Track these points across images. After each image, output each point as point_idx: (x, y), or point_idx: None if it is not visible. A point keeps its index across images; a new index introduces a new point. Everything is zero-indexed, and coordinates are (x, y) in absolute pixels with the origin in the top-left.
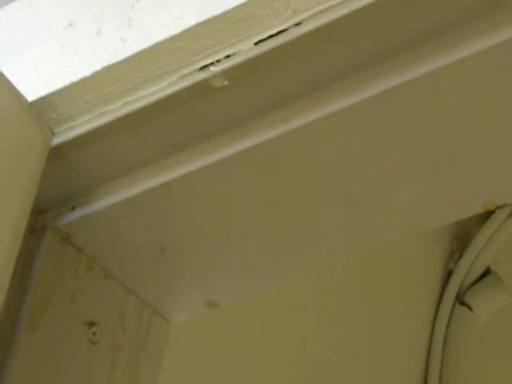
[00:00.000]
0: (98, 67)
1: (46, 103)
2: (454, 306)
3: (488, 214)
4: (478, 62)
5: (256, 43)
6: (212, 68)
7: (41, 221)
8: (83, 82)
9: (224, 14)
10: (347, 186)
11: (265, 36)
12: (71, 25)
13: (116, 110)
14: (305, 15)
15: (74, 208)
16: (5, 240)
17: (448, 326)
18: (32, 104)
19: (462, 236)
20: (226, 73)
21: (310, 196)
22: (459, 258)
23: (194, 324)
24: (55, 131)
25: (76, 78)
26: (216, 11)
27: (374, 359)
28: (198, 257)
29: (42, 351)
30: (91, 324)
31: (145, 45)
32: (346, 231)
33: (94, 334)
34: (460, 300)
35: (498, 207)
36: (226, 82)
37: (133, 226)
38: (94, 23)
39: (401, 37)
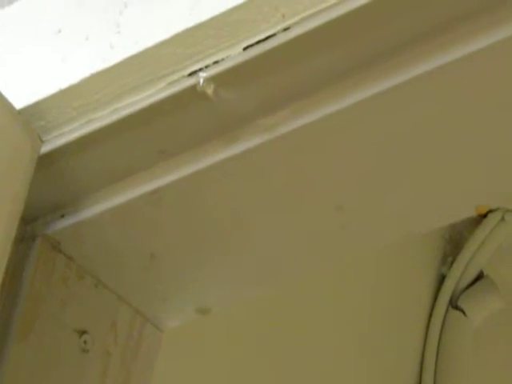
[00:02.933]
0: (86, 74)
1: (34, 110)
2: (447, 309)
3: (481, 218)
4: (464, 66)
5: (245, 48)
6: (200, 74)
7: (30, 229)
8: (71, 89)
9: (212, 19)
10: (337, 192)
11: (253, 41)
12: (59, 31)
13: (104, 117)
14: (293, 20)
15: (63, 216)
16: None
17: (442, 329)
18: (20, 111)
19: (455, 240)
20: (214, 79)
21: (298, 203)
22: (452, 261)
23: (186, 331)
24: (44, 139)
25: (64, 85)
26: (204, 17)
27: (368, 363)
28: (188, 263)
29: (32, 360)
30: (82, 332)
31: (133, 51)
32: (337, 236)
33: (85, 342)
34: (453, 304)
35: (490, 211)
36: (214, 88)
37: (122, 233)
38: (82, 29)
39: (389, 42)
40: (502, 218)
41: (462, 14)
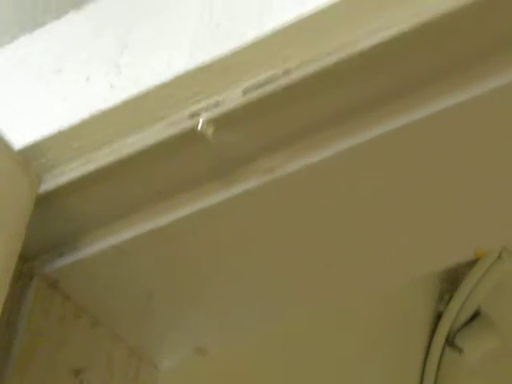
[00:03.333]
0: (86, 114)
1: (33, 150)
2: (444, 347)
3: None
4: (461, 112)
5: (245, 91)
6: (200, 115)
7: (28, 267)
8: (71, 129)
9: (213, 61)
10: (336, 232)
11: (254, 84)
12: (60, 71)
13: (104, 157)
14: (294, 63)
15: (61, 254)
16: None
17: (438, 368)
18: (19, 151)
19: (452, 277)
20: (214, 121)
21: (296, 242)
22: (449, 299)
23: (183, 370)
24: (43, 178)
25: (64, 125)
26: (205, 59)
27: None
28: (185, 303)
29: None
30: (79, 371)
31: (133, 91)
32: (333, 277)
33: (81, 381)
34: (450, 342)
35: None
36: (214, 130)
37: (121, 272)
38: (82, 69)
39: (390, 86)
40: (499, 256)
41: (461, 60)
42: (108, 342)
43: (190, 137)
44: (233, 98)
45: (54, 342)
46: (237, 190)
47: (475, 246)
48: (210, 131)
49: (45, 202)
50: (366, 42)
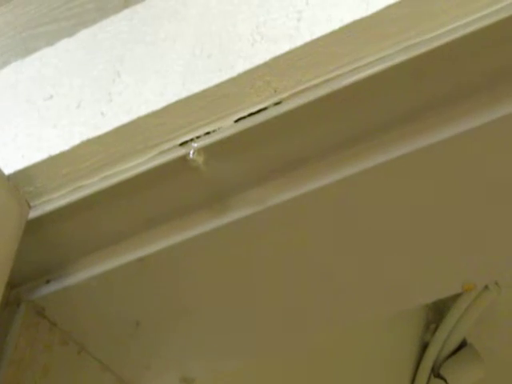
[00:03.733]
0: (76, 141)
1: (23, 176)
2: (429, 378)
3: None
4: (455, 144)
5: (236, 121)
6: (192, 144)
7: (15, 294)
8: (61, 155)
9: (205, 91)
10: (325, 264)
11: (245, 114)
12: (51, 97)
13: (93, 185)
14: (285, 94)
15: (48, 281)
16: None
17: None
18: (9, 177)
19: (439, 307)
20: (205, 149)
21: (287, 273)
22: (435, 329)
23: None
24: (32, 204)
25: (54, 151)
26: (197, 88)
27: None
28: (172, 332)
29: None
30: None
31: (125, 119)
32: (323, 308)
33: None
34: (436, 372)
35: None
36: (205, 159)
37: (108, 300)
38: (74, 96)
39: (380, 117)
40: (486, 287)
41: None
42: (95, 371)
43: (181, 165)
44: (224, 127)
45: (39, 369)
46: (227, 219)
47: (463, 280)
48: (201, 160)
49: (33, 229)
50: (356, 75)
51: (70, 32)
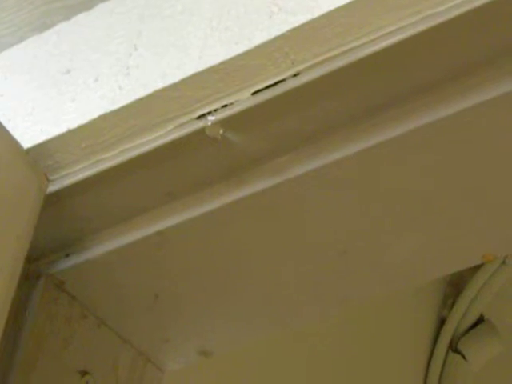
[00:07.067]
0: (94, 115)
1: (42, 150)
2: (447, 353)
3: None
4: (475, 115)
5: (253, 93)
6: (209, 117)
7: (34, 268)
8: (80, 129)
9: (222, 63)
10: (343, 237)
11: (263, 86)
12: (68, 72)
13: (112, 158)
14: (303, 66)
15: (67, 255)
16: None
17: (441, 373)
18: (28, 151)
19: (456, 282)
20: (222, 122)
21: (305, 246)
22: (453, 304)
23: (188, 372)
24: (51, 178)
25: (73, 125)
26: (214, 61)
27: None
28: (191, 305)
29: None
30: (84, 373)
31: (142, 93)
32: (340, 282)
33: (86, 383)
34: (453, 347)
35: None
36: (222, 132)
37: (127, 273)
38: (91, 70)
39: (398, 88)
40: (503, 262)
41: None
42: (113, 344)
43: (198, 138)
44: (242, 99)
45: (59, 342)
46: (245, 191)
47: (483, 252)
48: (218, 133)
49: (52, 203)
50: (375, 46)
51: (87, 6)
